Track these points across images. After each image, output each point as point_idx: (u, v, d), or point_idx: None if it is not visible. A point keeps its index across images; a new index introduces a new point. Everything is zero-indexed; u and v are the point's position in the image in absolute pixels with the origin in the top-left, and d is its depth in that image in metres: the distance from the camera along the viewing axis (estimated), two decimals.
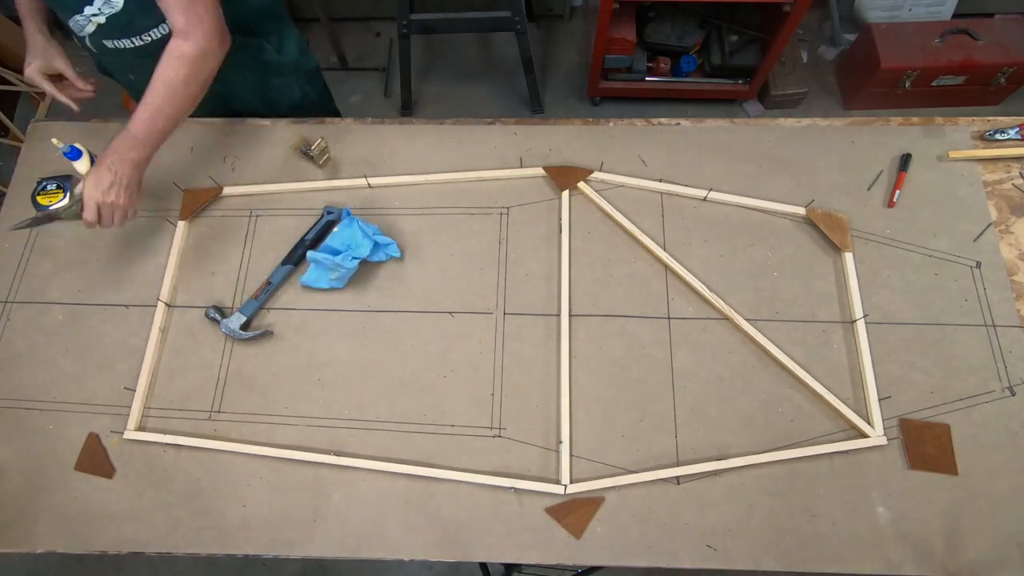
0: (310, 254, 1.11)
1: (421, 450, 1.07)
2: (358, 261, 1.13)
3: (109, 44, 1.16)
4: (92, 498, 1.06)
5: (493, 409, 1.09)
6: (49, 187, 1.23)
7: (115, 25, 1.12)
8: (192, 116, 1.28)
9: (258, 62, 1.28)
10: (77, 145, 1.14)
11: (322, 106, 1.54)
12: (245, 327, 1.14)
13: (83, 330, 1.17)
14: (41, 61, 1.19)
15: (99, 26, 1.12)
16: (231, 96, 1.34)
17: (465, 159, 1.27)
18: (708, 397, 1.08)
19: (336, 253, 1.12)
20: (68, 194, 1.21)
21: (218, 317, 1.14)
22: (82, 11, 1.09)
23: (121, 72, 1.28)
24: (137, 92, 1.20)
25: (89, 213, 1.03)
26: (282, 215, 1.24)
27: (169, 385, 1.13)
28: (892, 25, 2.29)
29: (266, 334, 1.15)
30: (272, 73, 1.33)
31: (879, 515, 1.00)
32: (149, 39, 1.16)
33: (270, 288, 1.16)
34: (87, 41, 1.17)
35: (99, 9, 1.08)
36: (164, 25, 1.14)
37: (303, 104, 1.43)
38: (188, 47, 1.03)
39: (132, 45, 1.16)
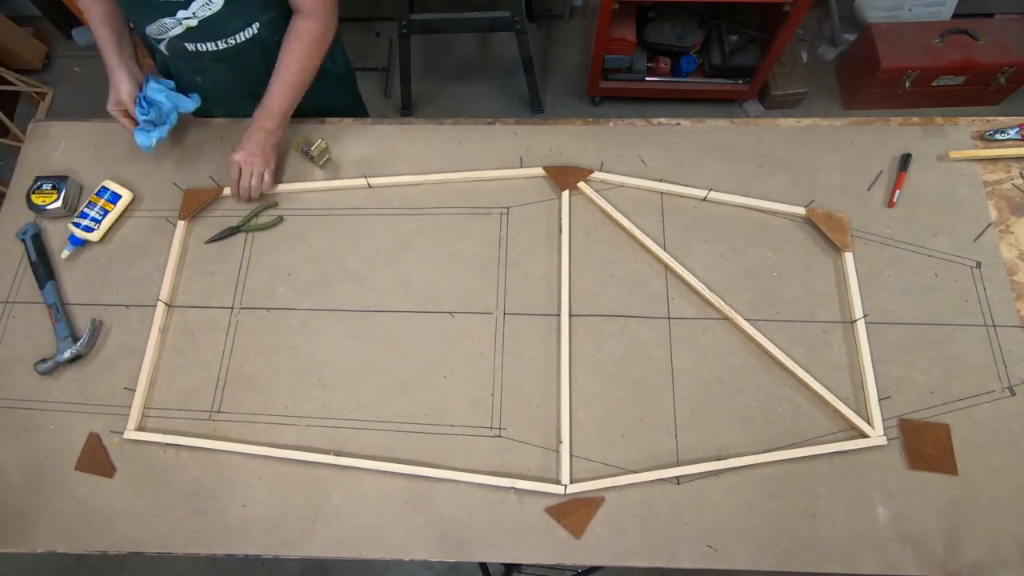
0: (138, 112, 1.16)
1: (421, 450, 1.07)
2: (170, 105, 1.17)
3: (190, 47, 1.16)
4: (92, 498, 1.06)
5: (493, 409, 1.09)
6: (44, 186, 1.24)
7: (205, 28, 1.12)
8: (196, 115, 1.29)
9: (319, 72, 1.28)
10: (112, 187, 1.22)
11: (356, 111, 1.56)
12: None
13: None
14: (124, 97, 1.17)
15: (188, 29, 1.11)
16: None
17: (465, 159, 1.27)
18: (708, 397, 1.08)
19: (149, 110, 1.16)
20: (62, 196, 1.22)
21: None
22: (174, 14, 1.08)
23: (188, 74, 1.26)
24: (201, 92, 1.21)
25: (233, 172, 1.17)
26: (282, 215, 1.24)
27: (169, 385, 1.13)
28: (892, 25, 2.30)
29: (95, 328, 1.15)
30: (326, 82, 1.34)
31: (879, 515, 1.00)
32: (234, 42, 1.16)
33: (57, 307, 1.16)
34: (163, 44, 1.16)
35: (194, 12, 1.08)
36: (251, 28, 1.17)
37: (347, 111, 1.45)
38: (316, 26, 1.12)
39: (215, 48, 1.17)
